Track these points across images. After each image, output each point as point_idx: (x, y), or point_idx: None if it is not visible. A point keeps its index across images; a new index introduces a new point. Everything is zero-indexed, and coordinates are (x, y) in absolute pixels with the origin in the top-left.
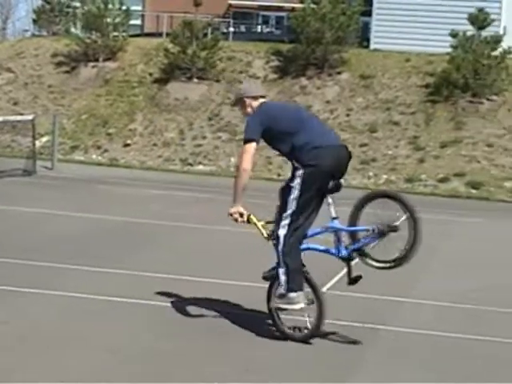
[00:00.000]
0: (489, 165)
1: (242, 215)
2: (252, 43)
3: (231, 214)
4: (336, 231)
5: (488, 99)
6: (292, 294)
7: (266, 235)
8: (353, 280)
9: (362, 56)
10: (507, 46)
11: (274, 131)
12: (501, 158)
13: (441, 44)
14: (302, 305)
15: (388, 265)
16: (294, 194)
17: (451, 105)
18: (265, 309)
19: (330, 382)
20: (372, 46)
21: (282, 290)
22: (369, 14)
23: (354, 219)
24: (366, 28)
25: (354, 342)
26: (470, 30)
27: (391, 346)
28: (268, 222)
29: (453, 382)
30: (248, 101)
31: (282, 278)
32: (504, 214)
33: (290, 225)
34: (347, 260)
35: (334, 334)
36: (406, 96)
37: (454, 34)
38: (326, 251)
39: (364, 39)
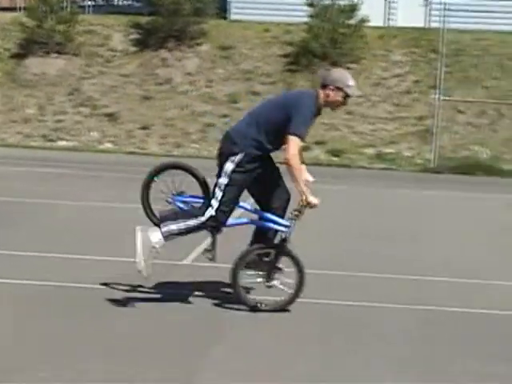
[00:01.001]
0: (349, 132)
1: None
2: (111, 16)
3: None
4: None
5: (347, 68)
6: None
7: None
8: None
9: (222, 27)
10: (363, 14)
11: None
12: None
13: (299, 13)
14: None
15: None
16: None
17: (311, 74)
18: (138, 284)
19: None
20: (231, 17)
21: None
22: None
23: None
24: None
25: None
26: None
27: (264, 316)
28: None
29: (320, 347)
30: None
31: None
32: (364, 180)
33: None
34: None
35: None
36: (266, 66)
37: (310, 4)
38: None
39: (223, 10)
